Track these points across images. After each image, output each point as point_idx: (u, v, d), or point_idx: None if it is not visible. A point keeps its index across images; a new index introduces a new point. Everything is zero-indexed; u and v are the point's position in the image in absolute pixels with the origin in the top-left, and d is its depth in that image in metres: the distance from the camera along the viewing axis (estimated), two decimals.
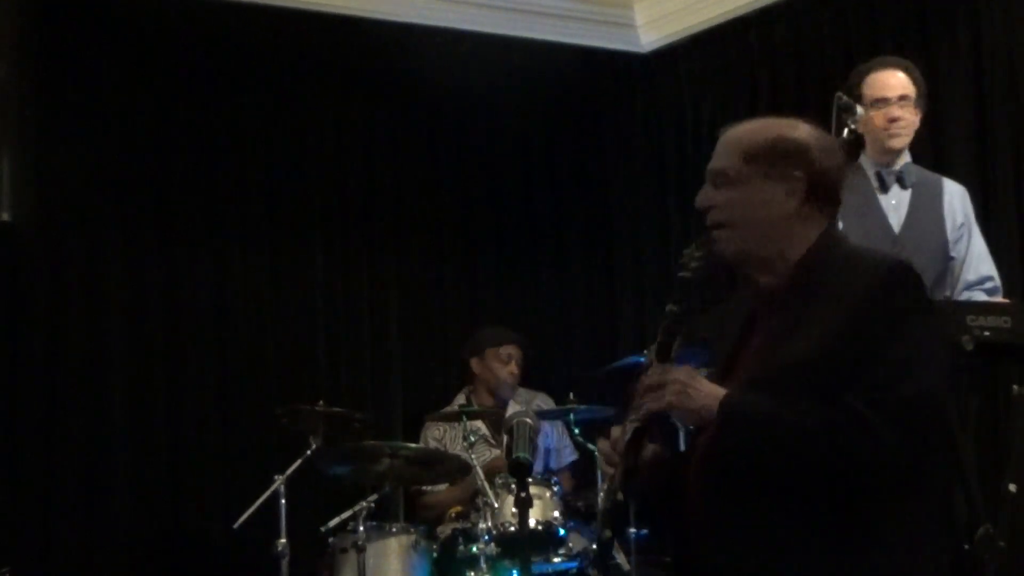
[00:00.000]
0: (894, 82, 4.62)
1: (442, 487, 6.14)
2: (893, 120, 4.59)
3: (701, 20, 7.10)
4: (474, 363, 6.43)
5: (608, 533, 2.70)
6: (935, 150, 5.69)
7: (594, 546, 5.34)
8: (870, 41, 6.26)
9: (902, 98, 4.60)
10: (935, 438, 2.53)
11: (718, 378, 2.70)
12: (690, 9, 7.15)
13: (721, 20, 7.01)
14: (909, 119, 4.63)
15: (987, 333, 3.77)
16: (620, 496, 2.65)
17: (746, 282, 2.73)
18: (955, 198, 4.69)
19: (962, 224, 4.64)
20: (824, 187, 2.67)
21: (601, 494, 5.31)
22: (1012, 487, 3.84)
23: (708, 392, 2.59)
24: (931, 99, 4.95)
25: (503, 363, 6.35)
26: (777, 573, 2.51)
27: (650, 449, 2.71)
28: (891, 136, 4.60)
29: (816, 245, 2.64)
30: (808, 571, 2.49)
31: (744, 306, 2.79)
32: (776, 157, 2.66)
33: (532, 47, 7.09)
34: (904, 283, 2.56)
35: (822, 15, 6.64)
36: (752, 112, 6.80)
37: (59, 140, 6.22)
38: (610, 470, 2.72)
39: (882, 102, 4.61)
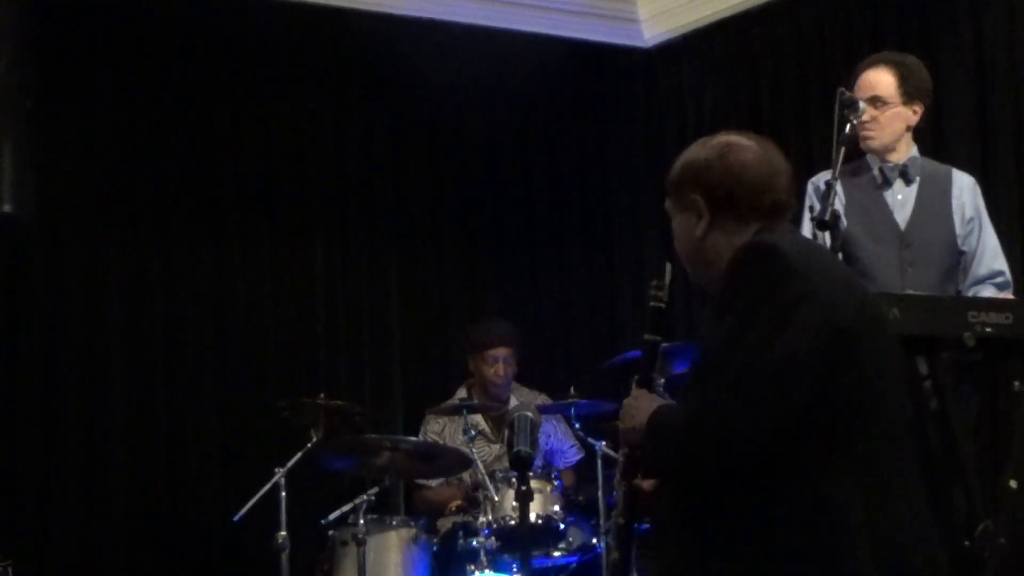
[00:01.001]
0: (865, 83, 4.58)
1: (440, 481, 6.14)
2: (862, 121, 4.53)
3: (703, 15, 7.09)
4: (470, 359, 6.43)
5: (616, 555, 2.85)
6: (936, 146, 5.68)
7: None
8: (872, 37, 6.26)
9: (873, 99, 4.54)
10: (790, 407, 2.46)
11: None
12: (692, 4, 7.14)
13: (723, 16, 7.01)
14: (880, 119, 4.53)
15: (989, 329, 3.75)
16: (621, 520, 2.81)
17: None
18: (964, 191, 4.63)
19: (971, 218, 4.58)
20: (731, 198, 2.69)
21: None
22: (1013, 483, 3.84)
23: (644, 409, 2.68)
24: (932, 95, 4.93)
25: (489, 366, 6.33)
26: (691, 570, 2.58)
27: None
28: (863, 137, 4.55)
29: (736, 253, 2.66)
30: (712, 564, 2.53)
31: None
32: (679, 186, 2.77)
33: (534, 41, 7.08)
34: (747, 264, 2.59)
35: (824, 11, 6.63)
36: (754, 108, 6.87)
37: (61, 132, 6.23)
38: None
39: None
